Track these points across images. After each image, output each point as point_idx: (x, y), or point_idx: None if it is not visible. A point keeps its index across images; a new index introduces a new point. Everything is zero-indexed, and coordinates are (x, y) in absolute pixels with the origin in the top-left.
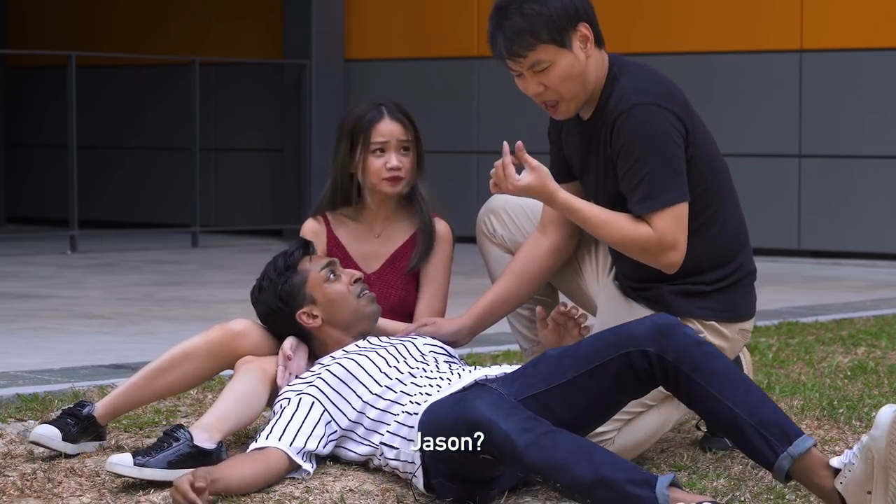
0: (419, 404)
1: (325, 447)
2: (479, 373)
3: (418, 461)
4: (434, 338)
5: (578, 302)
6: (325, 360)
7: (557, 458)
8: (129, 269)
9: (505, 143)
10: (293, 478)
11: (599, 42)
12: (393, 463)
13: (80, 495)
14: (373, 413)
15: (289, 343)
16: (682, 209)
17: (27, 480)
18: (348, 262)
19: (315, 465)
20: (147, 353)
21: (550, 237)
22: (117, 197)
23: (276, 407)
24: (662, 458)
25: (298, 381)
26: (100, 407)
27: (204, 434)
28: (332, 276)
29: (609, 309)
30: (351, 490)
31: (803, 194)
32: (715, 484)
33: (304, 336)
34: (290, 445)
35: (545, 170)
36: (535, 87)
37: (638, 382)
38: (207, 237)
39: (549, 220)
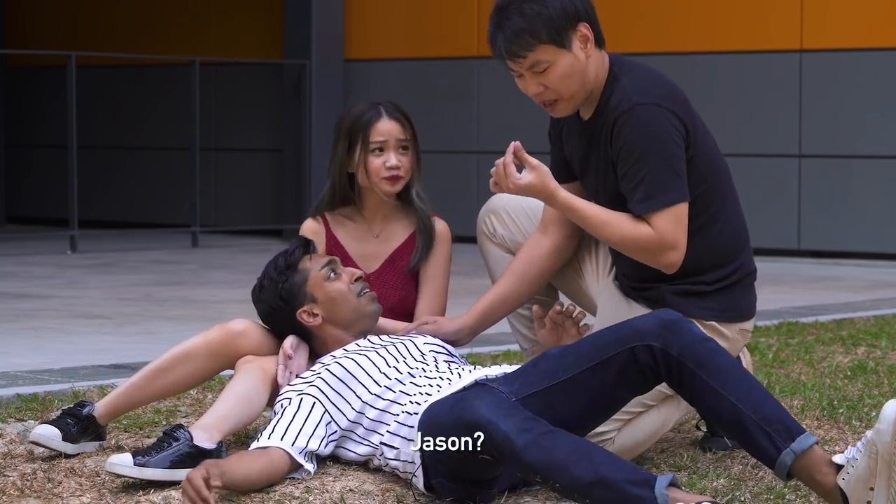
0: (419, 404)
1: (325, 447)
2: (480, 372)
3: (418, 461)
4: (435, 336)
5: (579, 302)
6: (326, 359)
7: (556, 459)
8: (129, 269)
9: (514, 142)
10: (293, 478)
11: (600, 42)
12: (393, 463)
13: (80, 495)
14: (372, 413)
15: (289, 342)
16: (682, 209)
17: (27, 480)
18: (348, 262)
19: (316, 466)
20: (147, 353)
21: (551, 237)
22: (117, 197)
23: (277, 407)
24: (662, 458)
25: (299, 380)
26: (100, 407)
27: (204, 434)
28: (332, 274)
29: (609, 309)
30: (351, 490)
31: (803, 194)
32: (715, 484)
33: (305, 335)
34: (293, 445)
35: (545, 169)
36: (535, 87)
37: (641, 378)
38: (207, 237)
39: (550, 221)
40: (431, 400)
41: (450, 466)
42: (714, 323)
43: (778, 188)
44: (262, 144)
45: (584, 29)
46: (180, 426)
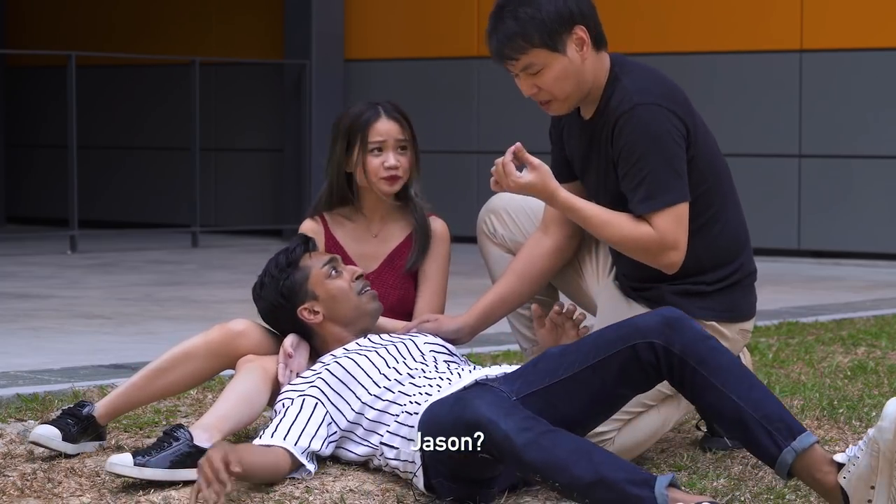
0: (419, 404)
1: (326, 448)
2: (480, 372)
3: (418, 461)
4: (435, 335)
5: (579, 302)
6: (326, 358)
7: (557, 458)
8: (129, 269)
9: (518, 143)
10: (293, 478)
11: (599, 44)
12: (393, 463)
13: (80, 495)
14: (371, 414)
15: (290, 340)
16: (683, 209)
17: (27, 480)
18: (347, 262)
19: (317, 466)
20: (147, 353)
21: (552, 237)
22: (117, 197)
23: (279, 406)
24: (662, 458)
25: (300, 380)
26: (100, 407)
27: (204, 434)
28: (333, 272)
29: (609, 309)
30: (351, 490)
31: (803, 194)
32: (715, 484)
33: (306, 333)
34: (295, 445)
35: (546, 168)
36: (529, 87)
37: (643, 376)
38: (207, 237)
39: (551, 220)
40: (432, 400)
41: (450, 466)
42: (714, 323)
43: (778, 188)
44: (262, 144)
45: (580, 32)
46: (180, 426)
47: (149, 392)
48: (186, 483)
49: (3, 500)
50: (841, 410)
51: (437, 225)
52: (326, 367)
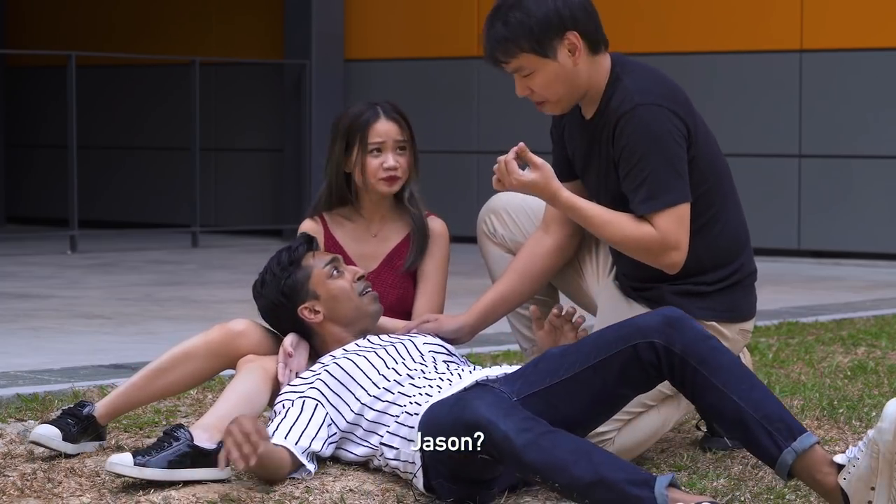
0: (419, 405)
1: (326, 449)
2: (480, 373)
3: (418, 461)
4: (436, 335)
5: (579, 302)
6: (325, 359)
7: (556, 459)
8: (129, 269)
9: (521, 143)
10: (293, 478)
11: (596, 48)
12: (393, 463)
13: (80, 495)
14: (371, 415)
15: (289, 340)
16: (684, 209)
17: (27, 480)
18: (347, 262)
19: (317, 466)
20: (147, 353)
21: (553, 236)
22: (117, 197)
23: (279, 407)
24: (662, 458)
25: (299, 380)
26: (100, 407)
27: (204, 434)
28: (335, 272)
29: (609, 309)
30: (351, 490)
31: (803, 194)
32: (715, 484)
33: (306, 332)
34: (296, 444)
35: (549, 168)
36: (523, 89)
37: (644, 376)
38: (207, 237)
39: (552, 220)
40: (432, 401)
41: (450, 467)
42: (714, 323)
43: (778, 188)
44: (262, 144)
45: (572, 38)
46: (180, 426)
47: (149, 392)
48: (186, 483)
49: (3, 500)
50: (841, 410)
51: (436, 224)
52: (326, 368)
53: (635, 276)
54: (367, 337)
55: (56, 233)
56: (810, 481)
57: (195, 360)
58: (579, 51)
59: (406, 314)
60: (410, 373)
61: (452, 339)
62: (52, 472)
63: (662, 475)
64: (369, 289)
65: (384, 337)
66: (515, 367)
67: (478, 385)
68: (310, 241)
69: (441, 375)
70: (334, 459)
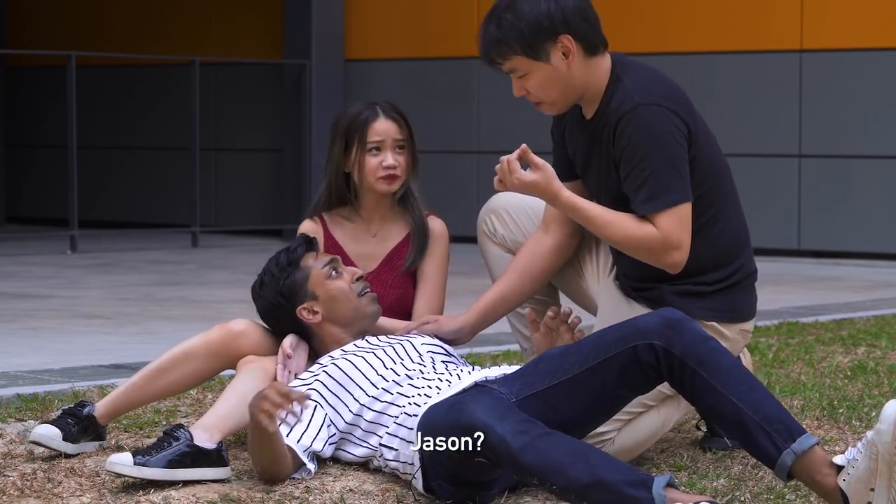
0: (417, 406)
1: (326, 449)
2: (479, 374)
3: (417, 463)
4: (436, 336)
5: (579, 302)
6: (324, 360)
7: (553, 461)
8: (129, 269)
9: (524, 145)
10: (293, 478)
11: (593, 50)
12: (392, 464)
13: (80, 495)
14: (369, 415)
15: (288, 341)
16: (685, 209)
17: (27, 480)
18: (346, 262)
19: (317, 466)
20: (147, 353)
21: (553, 236)
22: (117, 197)
23: None
24: (662, 458)
25: (298, 382)
26: (100, 407)
27: (204, 434)
28: (334, 272)
29: (610, 309)
30: (351, 490)
31: (803, 194)
32: (715, 484)
33: (304, 333)
34: (298, 443)
35: (550, 168)
36: (519, 89)
37: (643, 377)
38: (207, 237)
39: (552, 219)
40: (430, 402)
41: (448, 469)
42: (714, 323)
43: (778, 188)
44: (262, 144)
45: (565, 41)
46: (180, 426)
47: (149, 392)
48: (186, 483)
49: (3, 500)
50: (841, 410)
51: (436, 224)
52: (324, 368)
53: (636, 276)
54: (366, 337)
55: (56, 233)
56: (810, 482)
57: (195, 360)
58: (573, 54)
59: (406, 314)
60: (409, 373)
61: (452, 339)
62: (52, 472)
63: (660, 475)
64: (368, 289)
65: (382, 338)
66: (514, 368)
67: (476, 386)
68: (309, 242)
69: (440, 376)
70: (334, 460)
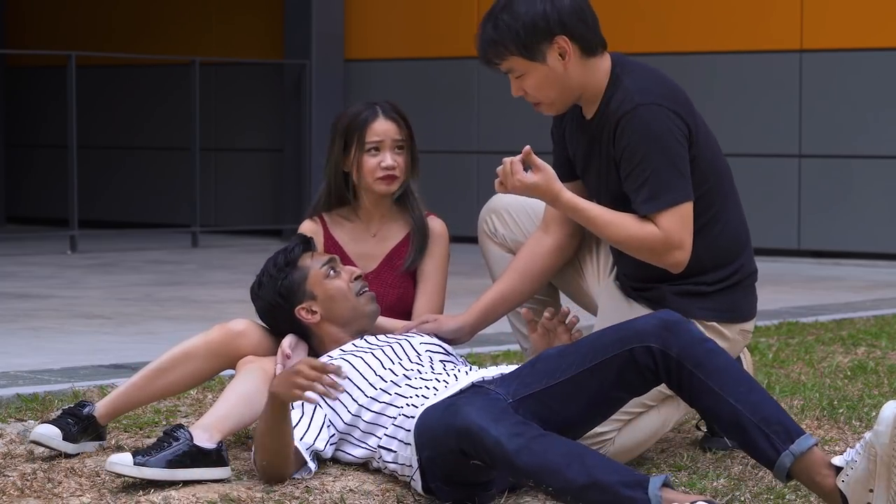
0: (415, 407)
1: (328, 449)
2: (477, 374)
3: (415, 464)
4: (435, 335)
5: (580, 302)
6: (323, 360)
7: (549, 462)
8: (129, 269)
9: (527, 147)
10: (293, 477)
11: (591, 51)
12: (391, 466)
13: (80, 495)
14: (368, 416)
15: (287, 341)
16: (687, 208)
17: (27, 480)
18: (346, 262)
19: (317, 465)
20: (147, 353)
21: (553, 236)
22: (117, 197)
23: None
24: (662, 458)
25: None
26: (100, 407)
27: (204, 434)
28: (332, 272)
29: (610, 309)
30: (351, 490)
31: (803, 194)
32: (715, 484)
33: (303, 333)
34: (301, 440)
35: (551, 170)
36: (517, 90)
37: (641, 379)
38: (207, 237)
39: (552, 219)
40: (427, 403)
41: (444, 470)
42: (715, 323)
43: (778, 188)
44: (262, 144)
45: (561, 42)
46: (180, 426)
47: (149, 392)
48: (186, 483)
49: (3, 500)
50: (841, 410)
51: (436, 224)
52: None
53: (636, 277)
54: (365, 337)
55: (56, 233)
56: (809, 483)
57: (195, 360)
58: (570, 54)
59: (406, 314)
60: (407, 373)
61: (452, 338)
62: (52, 472)
63: (656, 476)
64: (366, 288)
65: (381, 337)
66: (512, 368)
67: (473, 387)
68: (306, 242)
69: (437, 376)
70: (334, 460)
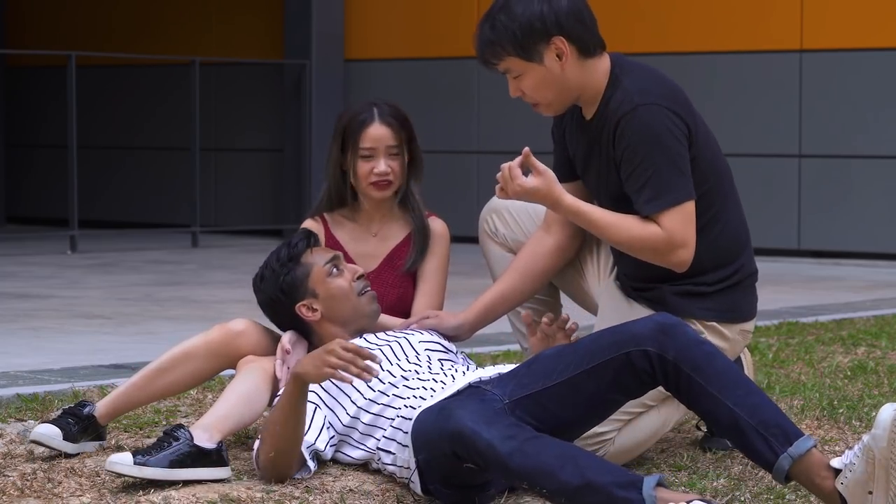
0: (413, 408)
1: (328, 450)
2: (474, 374)
3: (413, 466)
4: (436, 331)
5: (580, 302)
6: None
7: (542, 464)
8: (129, 269)
9: (526, 149)
10: (293, 477)
11: (589, 51)
12: (390, 468)
13: (80, 495)
14: (366, 418)
15: (287, 338)
16: (689, 207)
17: (27, 480)
18: (347, 261)
19: (317, 465)
20: (147, 353)
21: (554, 236)
22: (117, 197)
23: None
24: (662, 458)
25: None
26: (100, 407)
27: (204, 434)
28: (335, 270)
29: (610, 309)
30: (351, 490)
31: (803, 194)
32: (715, 484)
33: (303, 328)
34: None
35: (552, 174)
36: (514, 90)
37: (638, 382)
38: (207, 237)
39: (554, 219)
40: (424, 406)
41: (441, 473)
42: (715, 324)
43: (778, 188)
44: (262, 144)
45: (558, 42)
46: (180, 426)
47: (149, 392)
48: (186, 483)
49: (3, 500)
50: (841, 410)
51: (437, 225)
52: None
53: (636, 277)
54: (364, 336)
55: (56, 233)
56: (808, 485)
57: (195, 360)
58: (567, 55)
59: (406, 314)
60: (405, 374)
61: (452, 335)
62: (52, 472)
63: (649, 475)
64: (368, 288)
65: (380, 336)
66: (510, 367)
67: (470, 387)
68: (310, 237)
69: (434, 377)
70: (333, 461)
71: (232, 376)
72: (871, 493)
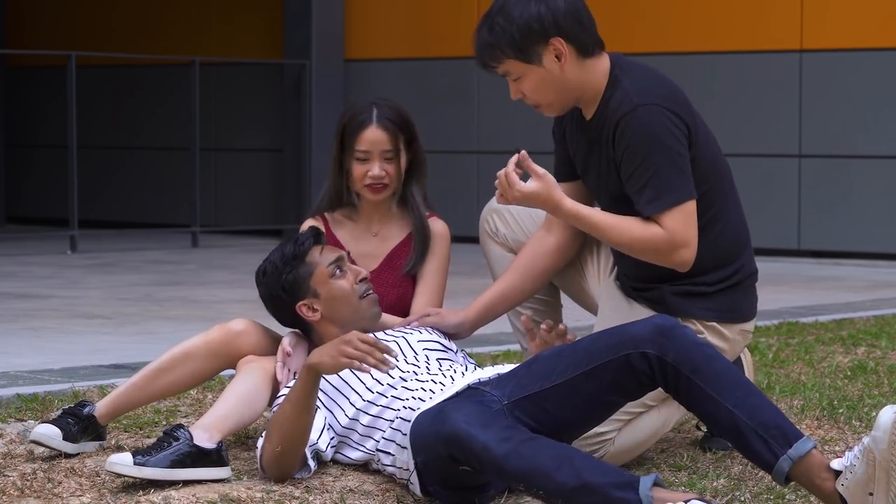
0: (412, 410)
1: (329, 450)
2: (473, 376)
3: (412, 467)
4: (437, 328)
5: (580, 301)
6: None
7: (538, 466)
8: (129, 269)
9: (523, 151)
10: (293, 477)
11: (588, 52)
12: (389, 469)
13: (80, 495)
14: (366, 419)
15: (288, 339)
16: (690, 207)
17: (27, 480)
18: (350, 262)
19: (317, 465)
20: (147, 353)
21: (555, 236)
22: (117, 197)
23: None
24: (662, 458)
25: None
26: (100, 407)
27: (204, 434)
28: (338, 271)
29: (610, 309)
30: (351, 490)
31: (803, 194)
32: (715, 484)
33: (303, 326)
34: None
35: (551, 178)
36: (515, 92)
37: (637, 384)
38: (207, 237)
39: (554, 219)
40: (423, 408)
41: (440, 475)
42: (715, 324)
43: (778, 188)
44: (262, 144)
45: (557, 44)
46: (180, 426)
47: (149, 392)
48: (186, 483)
49: (3, 500)
50: (841, 410)
51: (438, 226)
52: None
53: (636, 277)
54: None
55: (56, 233)
56: (809, 486)
57: (195, 360)
58: (566, 56)
59: (405, 314)
60: (404, 375)
61: (453, 333)
62: (52, 472)
63: (646, 476)
64: (370, 291)
65: (380, 335)
66: (509, 368)
67: (469, 389)
68: (317, 235)
69: (433, 377)
70: (333, 461)
71: (232, 376)
72: (871, 494)
